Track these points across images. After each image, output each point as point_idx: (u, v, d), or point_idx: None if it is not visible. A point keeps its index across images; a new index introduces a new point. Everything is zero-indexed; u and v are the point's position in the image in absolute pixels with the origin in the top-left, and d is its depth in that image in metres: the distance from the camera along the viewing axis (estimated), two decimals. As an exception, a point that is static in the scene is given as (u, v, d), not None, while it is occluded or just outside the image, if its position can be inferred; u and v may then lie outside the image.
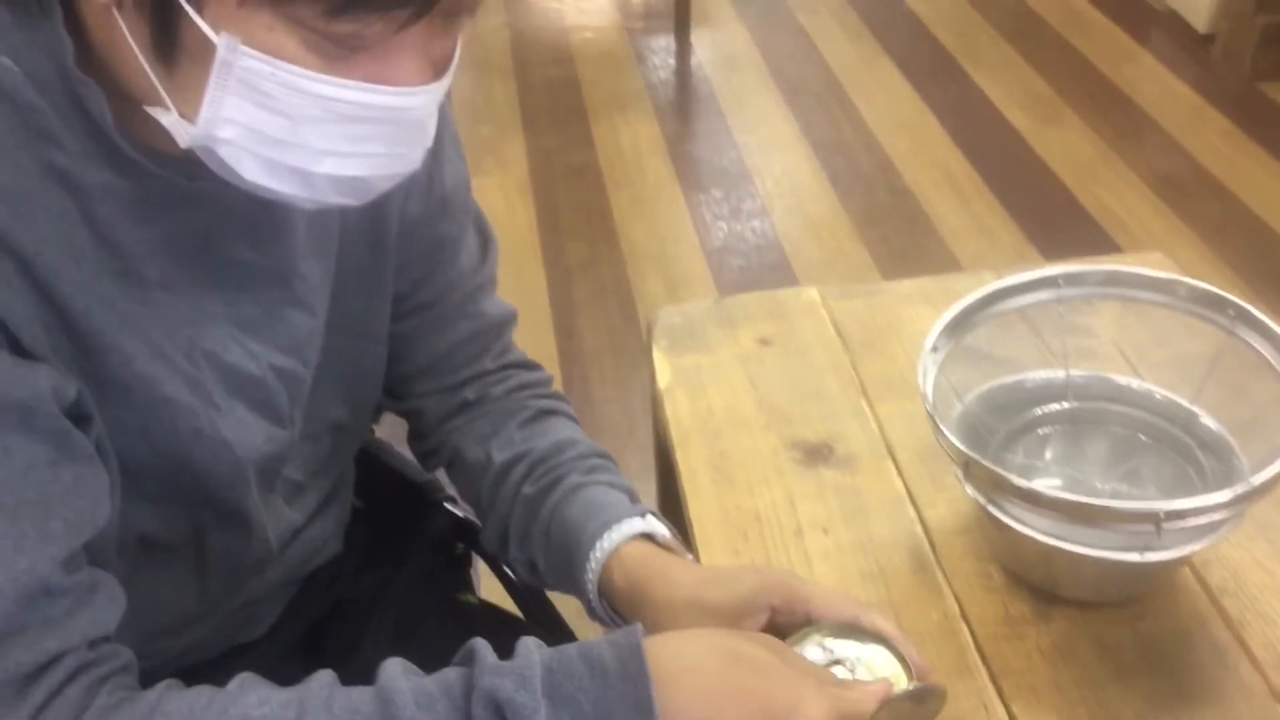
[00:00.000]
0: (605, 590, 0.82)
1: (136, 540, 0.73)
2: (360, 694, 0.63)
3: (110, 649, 0.64)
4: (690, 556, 0.85)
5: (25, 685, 0.59)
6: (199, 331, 0.72)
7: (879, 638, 0.73)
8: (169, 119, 0.61)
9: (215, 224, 0.71)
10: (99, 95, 0.62)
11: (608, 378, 2.34)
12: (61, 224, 0.62)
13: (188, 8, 0.56)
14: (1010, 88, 3.35)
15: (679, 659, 0.64)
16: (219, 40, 0.57)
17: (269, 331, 0.77)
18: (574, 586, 0.84)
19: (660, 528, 0.83)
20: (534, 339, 2.42)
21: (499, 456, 0.90)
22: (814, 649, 0.73)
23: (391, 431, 1.21)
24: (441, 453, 0.96)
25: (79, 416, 0.64)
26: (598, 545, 0.82)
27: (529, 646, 0.64)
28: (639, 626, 0.65)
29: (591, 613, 0.85)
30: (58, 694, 0.60)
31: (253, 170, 0.62)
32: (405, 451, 1.17)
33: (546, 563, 0.87)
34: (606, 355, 2.40)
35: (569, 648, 0.64)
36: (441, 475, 1.11)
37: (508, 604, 1.11)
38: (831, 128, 3.20)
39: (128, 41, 0.59)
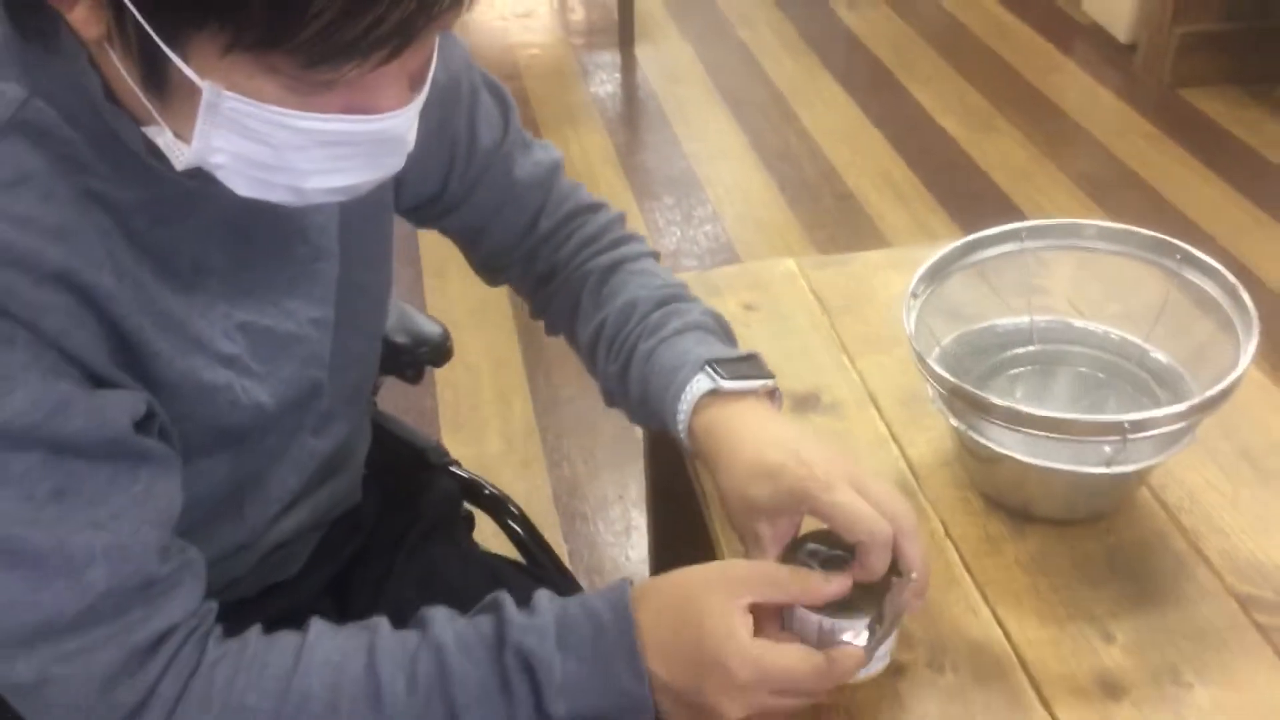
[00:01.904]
0: (697, 451, 0.88)
1: (190, 497, 0.79)
2: (413, 640, 0.74)
3: (207, 608, 0.74)
4: (761, 382, 0.88)
5: (147, 656, 0.69)
6: (235, 306, 0.78)
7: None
8: (164, 140, 0.66)
9: (232, 208, 0.75)
10: (129, 123, 0.67)
11: (570, 376, 2.41)
12: (105, 242, 0.68)
13: (174, 57, 0.60)
14: (945, 98, 3.49)
15: (648, 615, 0.75)
16: (204, 85, 0.61)
17: (305, 287, 0.83)
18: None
19: (722, 382, 0.86)
20: (497, 342, 2.49)
21: (583, 335, 0.98)
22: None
23: (394, 403, 1.27)
24: (549, 328, 1.05)
25: (149, 416, 0.72)
26: (678, 420, 0.88)
27: (542, 602, 0.76)
28: (627, 583, 0.77)
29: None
30: (174, 659, 0.70)
31: (245, 188, 0.68)
32: (400, 411, 1.24)
33: (655, 427, 0.93)
34: (569, 355, 2.44)
35: (572, 603, 0.76)
36: (444, 440, 1.18)
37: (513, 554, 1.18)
38: (777, 137, 3.31)
39: (121, 73, 0.64)
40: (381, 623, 0.76)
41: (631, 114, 3.53)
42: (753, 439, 0.84)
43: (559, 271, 1.01)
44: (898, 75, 3.64)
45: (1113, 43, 3.66)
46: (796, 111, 3.44)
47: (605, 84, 3.66)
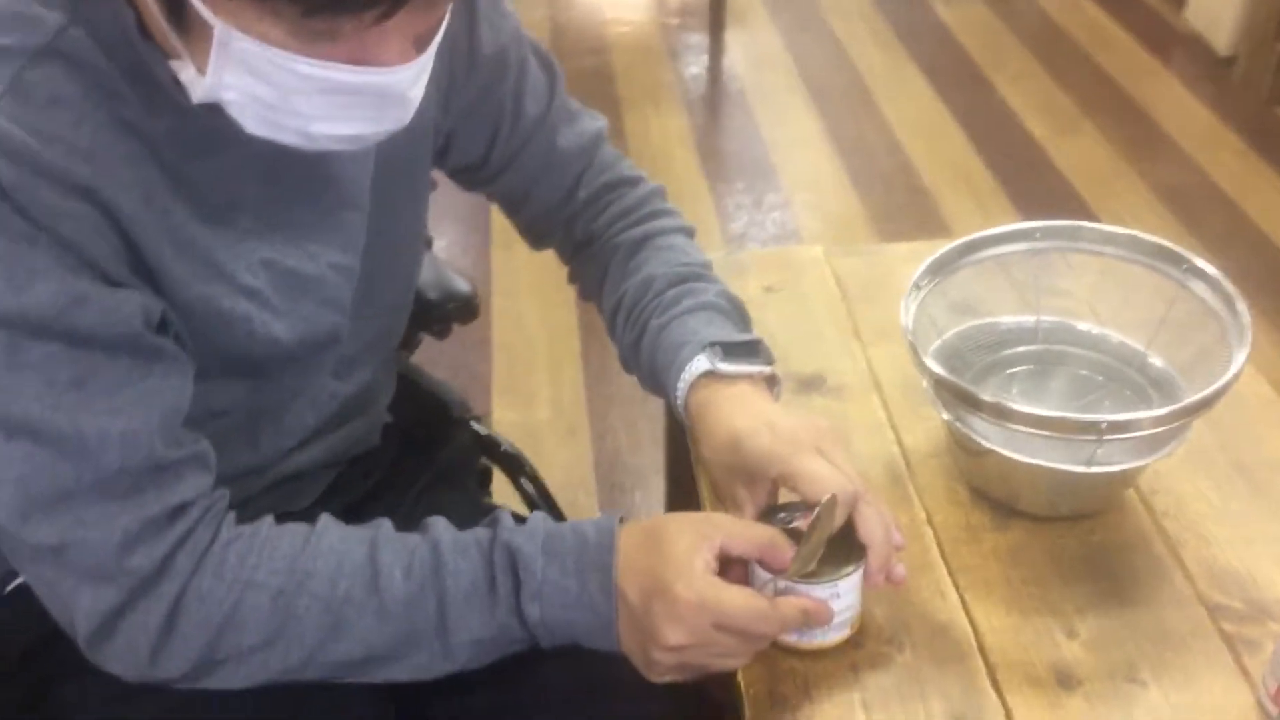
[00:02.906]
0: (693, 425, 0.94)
1: (204, 412, 0.84)
2: (413, 538, 0.83)
3: (219, 493, 0.81)
4: (755, 368, 0.93)
5: (163, 526, 0.76)
6: (261, 242, 0.83)
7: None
8: (186, 75, 0.71)
9: (266, 149, 0.79)
10: (159, 56, 0.72)
11: (626, 350, 2.44)
12: (136, 168, 0.74)
13: None
14: (1031, 97, 3.45)
15: (627, 541, 0.81)
16: (216, 24, 0.66)
17: (327, 235, 0.88)
18: None
19: (720, 364, 0.92)
20: (557, 313, 2.53)
21: (607, 305, 1.04)
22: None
23: (447, 363, 1.33)
24: (582, 295, 1.11)
25: (163, 323, 0.78)
26: (678, 394, 0.94)
27: (537, 517, 0.85)
28: (617, 514, 0.83)
29: None
30: (190, 535, 0.77)
31: (255, 125, 0.72)
32: (456, 372, 1.29)
33: (661, 397, 1.00)
34: (626, 329, 2.50)
35: (565, 523, 0.84)
36: (494, 403, 1.23)
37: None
38: (855, 128, 3.30)
39: (151, 7, 0.69)
40: (384, 521, 0.84)
41: (714, 97, 3.54)
42: (732, 412, 0.89)
43: (594, 241, 1.06)
44: (986, 72, 3.60)
45: (1211, 54, 3.57)
46: (879, 103, 3.43)
47: (691, 65, 3.68)
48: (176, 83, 0.73)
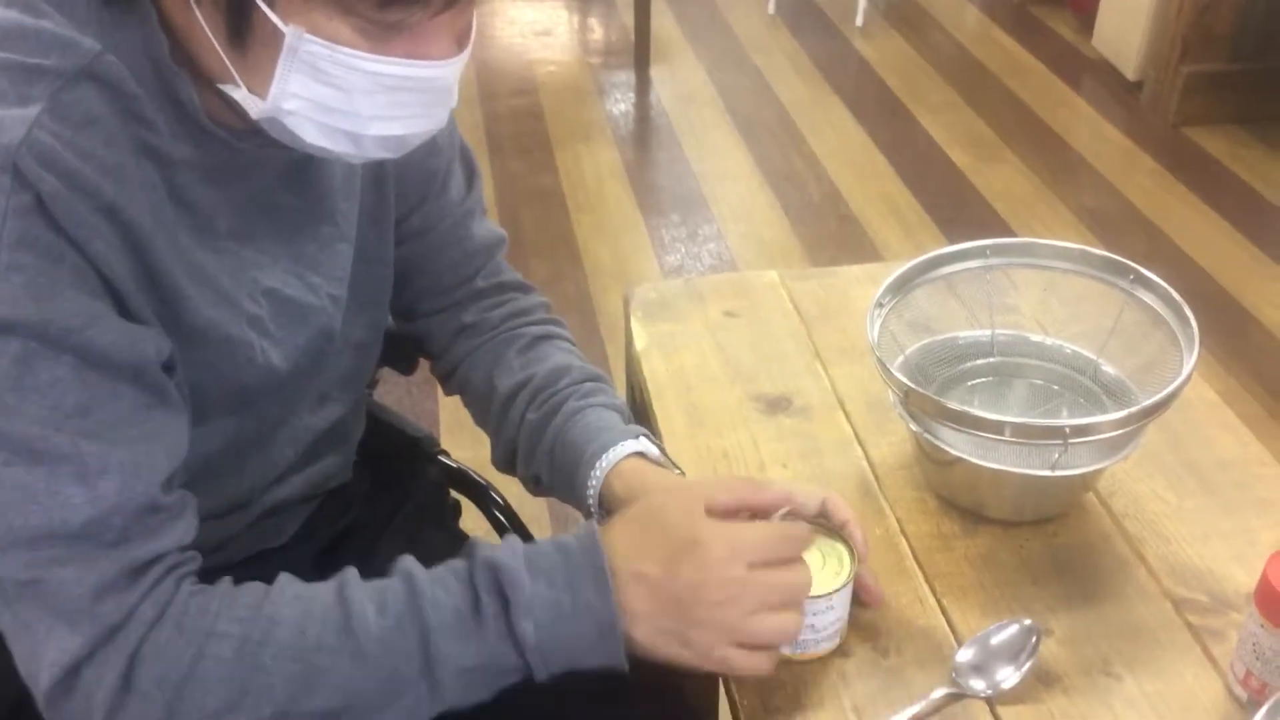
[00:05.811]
0: (606, 499, 0.94)
1: (196, 458, 0.84)
2: (381, 580, 0.79)
3: (191, 554, 0.78)
4: (676, 470, 0.97)
5: (137, 575, 0.73)
6: (262, 273, 0.85)
7: (831, 530, 0.88)
8: (240, 95, 0.74)
9: (272, 181, 0.84)
10: (189, 84, 0.75)
11: (571, 385, 2.46)
12: (150, 193, 0.75)
13: (261, 4, 0.68)
14: (952, 128, 3.55)
15: (614, 533, 0.81)
16: (288, 30, 0.69)
17: (326, 266, 0.90)
18: (575, 498, 0.96)
19: (650, 447, 0.95)
20: (501, 348, 2.54)
21: (502, 384, 1.02)
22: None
23: (396, 403, 1.33)
24: (454, 379, 1.09)
25: (168, 367, 0.78)
26: (598, 465, 0.93)
27: (511, 539, 0.82)
28: (595, 521, 0.82)
29: (588, 518, 0.97)
30: (158, 584, 0.74)
31: (313, 135, 0.75)
32: (403, 411, 1.30)
33: (551, 479, 0.98)
34: (570, 364, 2.52)
35: (541, 540, 0.82)
36: (444, 442, 1.24)
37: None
38: (783, 160, 3.37)
39: (204, 31, 0.71)
40: (350, 569, 0.80)
41: (643, 132, 3.59)
42: (678, 478, 0.95)
43: (486, 329, 1.07)
44: (907, 103, 3.70)
45: (1120, 79, 3.72)
46: (805, 135, 3.50)
47: (619, 103, 3.73)
48: (206, 111, 0.76)
